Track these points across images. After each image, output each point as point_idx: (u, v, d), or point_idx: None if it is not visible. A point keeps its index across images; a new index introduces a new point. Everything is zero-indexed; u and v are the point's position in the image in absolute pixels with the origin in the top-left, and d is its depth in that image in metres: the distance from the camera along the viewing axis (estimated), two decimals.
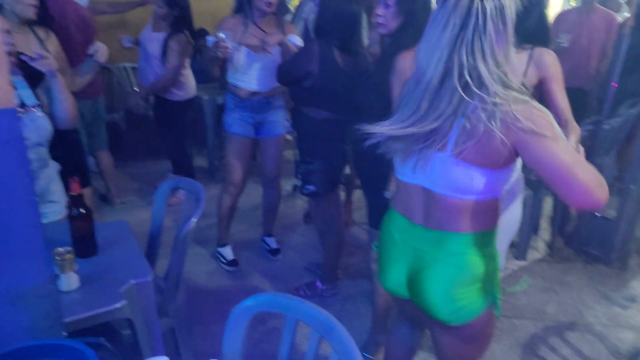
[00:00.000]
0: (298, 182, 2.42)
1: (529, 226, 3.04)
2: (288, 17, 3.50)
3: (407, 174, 1.27)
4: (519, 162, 1.36)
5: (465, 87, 1.10)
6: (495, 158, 1.13)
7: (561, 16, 4.04)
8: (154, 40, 3.20)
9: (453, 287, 1.23)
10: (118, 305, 1.40)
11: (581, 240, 3.14)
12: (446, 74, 1.11)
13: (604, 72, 3.61)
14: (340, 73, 2.17)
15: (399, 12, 1.73)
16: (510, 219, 1.85)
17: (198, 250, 3.09)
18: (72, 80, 2.28)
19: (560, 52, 3.95)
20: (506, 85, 1.11)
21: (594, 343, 2.35)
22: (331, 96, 2.21)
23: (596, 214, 3.00)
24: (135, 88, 4.26)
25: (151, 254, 2.03)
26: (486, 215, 1.23)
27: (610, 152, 3.19)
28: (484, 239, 1.24)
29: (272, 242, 3.07)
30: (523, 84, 1.48)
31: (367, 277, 2.83)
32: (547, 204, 3.40)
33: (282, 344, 1.23)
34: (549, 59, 1.75)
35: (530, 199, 2.91)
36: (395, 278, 1.36)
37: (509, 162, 1.16)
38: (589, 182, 1.08)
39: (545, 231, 3.36)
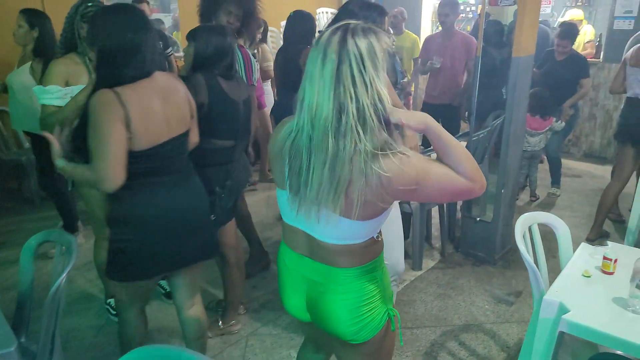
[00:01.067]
0: None
1: (421, 237, 3.20)
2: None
3: (291, 217, 1.30)
4: None
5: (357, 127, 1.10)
6: (376, 210, 1.20)
7: (429, 40, 4.40)
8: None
9: (350, 311, 1.29)
10: None
11: (468, 244, 3.37)
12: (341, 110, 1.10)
13: (468, 89, 3.97)
14: (228, 100, 2.23)
15: None
16: (394, 230, 1.93)
17: (85, 304, 2.83)
18: None
19: (434, 73, 4.31)
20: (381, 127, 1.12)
21: (486, 341, 2.50)
22: (225, 124, 2.24)
23: (476, 218, 3.24)
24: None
25: (22, 317, 1.81)
26: (368, 250, 1.30)
27: (483, 161, 3.49)
28: (370, 267, 1.31)
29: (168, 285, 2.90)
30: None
31: (271, 309, 2.77)
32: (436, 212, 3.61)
33: None
34: None
35: (418, 210, 3.08)
36: (294, 304, 1.41)
37: (387, 207, 1.23)
38: (468, 173, 1.15)
39: (437, 239, 3.56)
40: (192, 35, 2.23)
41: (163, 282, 2.91)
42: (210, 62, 2.18)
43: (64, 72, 2.24)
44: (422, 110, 4.41)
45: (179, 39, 5.32)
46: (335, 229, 1.22)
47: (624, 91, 3.46)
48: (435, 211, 3.63)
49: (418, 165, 1.13)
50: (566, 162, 5.30)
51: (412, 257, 3.19)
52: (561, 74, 4.08)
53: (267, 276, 3.14)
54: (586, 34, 5.83)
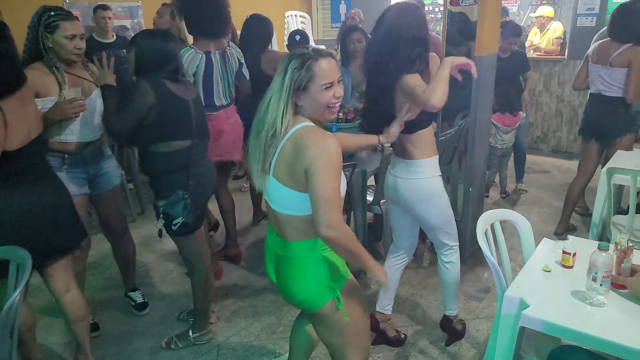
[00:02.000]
0: (161, 223, 2.28)
1: (390, 236, 3.21)
2: None
3: (263, 191, 1.59)
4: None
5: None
6: (299, 182, 1.44)
7: None
8: None
9: (293, 282, 1.57)
10: None
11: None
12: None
13: None
14: (178, 100, 2.21)
15: None
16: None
17: (52, 320, 2.76)
18: None
19: None
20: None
21: None
22: (177, 125, 2.22)
23: None
24: None
25: None
26: (308, 227, 1.47)
27: (452, 161, 3.52)
28: (311, 245, 1.53)
29: (138, 296, 2.85)
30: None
31: (243, 317, 2.75)
32: None
33: None
34: None
35: (387, 212, 3.08)
36: (270, 273, 1.71)
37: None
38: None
39: None
40: (132, 41, 2.21)
41: (132, 294, 2.86)
42: (152, 67, 2.17)
43: (34, 84, 2.14)
44: None
45: None
46: (278, 196, 1.51)
47: (586, 87, 3.53)
48: None
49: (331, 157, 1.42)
50: (535, 159, 5.41)
51: (384, 257, 3.19)
52: (508, 71, 4.18)
53: (238, 283, 3.12)
54: (555, 31, 5.94)
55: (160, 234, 2.33)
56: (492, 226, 2.00)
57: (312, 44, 7.33)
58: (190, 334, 2.52)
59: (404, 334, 2.53)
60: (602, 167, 3.76)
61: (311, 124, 1.50)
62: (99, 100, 2.39)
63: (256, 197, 3.94)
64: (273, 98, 1.50)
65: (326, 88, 1.48)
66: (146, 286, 3.08)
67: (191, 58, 2.87)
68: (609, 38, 3.30)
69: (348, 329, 1.62)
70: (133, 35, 2.32)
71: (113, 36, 4.04)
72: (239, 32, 3.72)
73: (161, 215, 2.24)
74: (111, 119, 2.22)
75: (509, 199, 4.40)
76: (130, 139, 2.24)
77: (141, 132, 2.16)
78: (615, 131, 3.34)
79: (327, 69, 1.48)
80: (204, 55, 2.90)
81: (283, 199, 1.51)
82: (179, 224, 2.25)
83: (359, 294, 1.70)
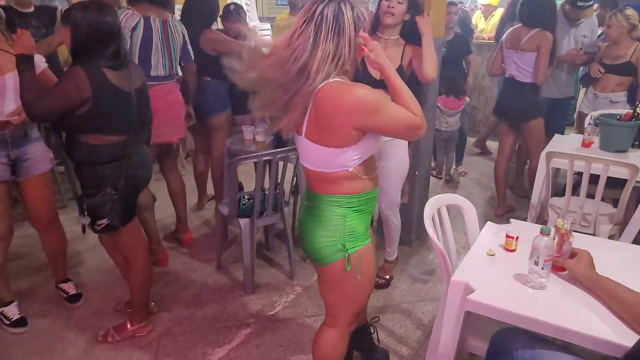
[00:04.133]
0: (84, 220, 2.09)
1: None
2: None
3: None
4: None
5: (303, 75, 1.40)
6: (341, 140, 1.46)
7: None
8: None
9: (310, 231, 1.61)
10: None
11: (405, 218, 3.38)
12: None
13: None
14: (117, 92, 1.99)
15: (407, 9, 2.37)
16: (397, 167, 2.57)
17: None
18: None
19: None
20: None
21: (402, 320, 2.54)
22: (114, 118, 2.02)
23: None
24: None
25: None
26: (340, 183, 1.55)
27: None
28: (337, 201, 1.56)
29: (70, 288, 2.67)
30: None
31: (185, 306, 2.64)
32: None
33: None
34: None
35: None
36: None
37: (349, 142, 1.47)
38: (417, 112, 1.47)
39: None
40: (66, 16, 1.94)
41: (64, 285, 2.67)
42: (91, 47, 1.92)
43: None
44: None
45: None
46: (309, 153, 1.54)
47: (502, 73, 3.66)
48: None
49: (377, 97, 1.42)
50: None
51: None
52: (452, 54, 4.28)
53: (180, 270, 2.99)
54: (499, 17, 6.08)
55: (83, 230, 2.17)
56: (438, 210, 2.01)
57: (254, 19, 7.10)
58: (129, 325, 2.39)
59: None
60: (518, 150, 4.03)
61: (337, 79, 1.45)
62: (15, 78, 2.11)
63: (200, 180, 3.79)
64: (319, 46, 1.40)
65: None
66: (79, 276, 2.90)
67: (127, 18, 2.66)
68: (520, 24, 3.41)
69: (349, 292, 1.66)
70: (62, 7, 2.07)
71: (31, 6, 3.66)
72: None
73: (85, 213, 2.07)
74: (29, 97, 1.94)
75: (452, 182, 4.49)
76: (55, 124, 2.04)
77: (70, 120, 1.96)
78: (523, 115, 3.52)
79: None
80: (142, 19, 2.70)
81: (315, 157, 1.54)
82: (103, 225, 2.09)
83: (372, 263, 1.69)
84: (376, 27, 2.47)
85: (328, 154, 1.49)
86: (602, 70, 3.62)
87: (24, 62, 2.00)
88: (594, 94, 3.73)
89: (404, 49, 2.46)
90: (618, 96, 3.60)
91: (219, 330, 2.46)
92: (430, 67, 2.38)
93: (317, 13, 1.40)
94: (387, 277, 2.84)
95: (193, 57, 3.05)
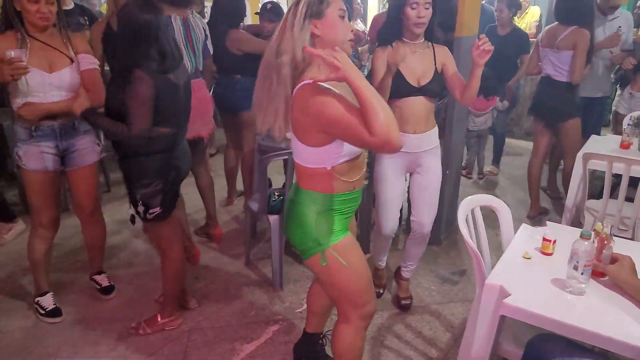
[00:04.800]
0: (134, 211, 2.17)
1: (368, 219, 3.17)
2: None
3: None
4: None
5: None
6: (318, 140, 1.49)
7: (377, 18, 4.30)
8: None
9: (290, 225, 1.66)
10: None
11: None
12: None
13: None
14: (172, 86, 2.08)
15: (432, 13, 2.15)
16: (438, 176, 2.43)
17: (12, 303, 2.63)
18: None
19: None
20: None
21: (431, 322, 2.51)
22: (171, 112, 2.10)
23: None
24: None
25: None
26: (317, 180, 1.57)
27: None
28: (315, 198, 1.59)
29: (103, 280, 2.73)
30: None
31: (214, 301, 2.67)
32: None
33: None
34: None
35: (363, 192, 3.03)
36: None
37: (321, 143, 1.49)
38: (373, 127, 1.32)
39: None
40: (120, 21, 2.01)
41: (97, 277, 2.73)
42: (145, 57, 1.97)
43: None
44: None
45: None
46: (294, 147, 1.58)
47: (538, 72, 3.57)
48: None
49: (338, 111, 1.37)
50: (509, 141, 5.43)
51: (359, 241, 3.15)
52: (503, 50, 4.09)
53: (210, 265, 3.03)
54: (534, 15, 5.95)
55: (133, 221, 2.23)
56: (472, 211, 1.97)
57: None
58: (159, 319, 2.43)
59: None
60: (555, 149, 3.90)
61: (309, 82, 1.45)
62: (69, 77, 2.24)
63: (230, 176, 3.83)
64: (287, 29, 1.47)
65: (342, 17, 1.50)
66: (113, 268, 2.96)
67: None
68: (556, 22, 3.32)
69: (341, 285, 1.66)
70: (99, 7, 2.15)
71: (71, 3, 3.76)
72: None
73: (140, 202, 2.13)
74: (119, 132, 1.99)
75: (485, 182, 4.41)
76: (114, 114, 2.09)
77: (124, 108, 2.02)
78: (559, 115, 3.42)
79: None
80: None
81: (297, 151, 1.58)
82: (155, 214, 2.15)
83: (356, 252, 1.68)
84: (398, 31, 2.21)
85: (306, 150, 1.53)
86: (634, 61, 3.53)
87: (92, 117, 2.12)
88: (630, 94, 3.61)
89: (434, 52, 2.26)
90: None
91: (247, 325, 2.48)
92: (472, 95, 2.17)
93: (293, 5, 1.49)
94: (409, 297, 2.64)
95: (212, 52, 3.10)
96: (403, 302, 2.61)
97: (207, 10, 4.62)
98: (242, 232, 3.37)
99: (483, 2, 4.42)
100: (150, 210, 2.14)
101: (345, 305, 1.73)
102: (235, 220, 3.66)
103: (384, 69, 2.10)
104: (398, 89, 2.15)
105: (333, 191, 1.59)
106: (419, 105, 2.22)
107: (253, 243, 3.17)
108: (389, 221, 2.43)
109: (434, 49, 2.26)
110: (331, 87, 1.43)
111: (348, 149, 1.52)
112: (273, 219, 2.70)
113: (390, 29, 2.24)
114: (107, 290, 2.70)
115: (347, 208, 1.65)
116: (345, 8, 1.52)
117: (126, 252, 3.20)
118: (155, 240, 2.35)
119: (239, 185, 3.89)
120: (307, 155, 1.56)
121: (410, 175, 2.44)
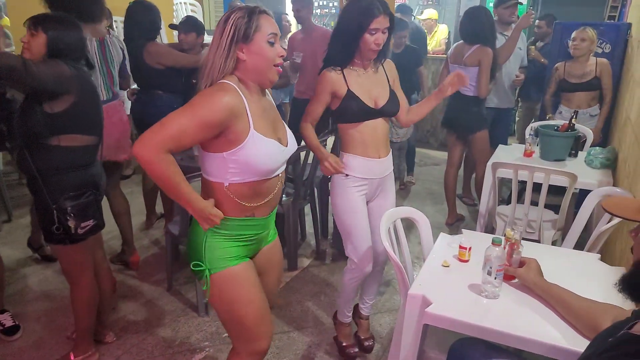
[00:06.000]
0: (59, 229, 1.99)
1: (294, 235, 3.16)
2: None
3: None
4: None
5: None
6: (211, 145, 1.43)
7: (291, 38, 4.36)
8: None
9: (189, 239, 1.60)
10: None
11: (341, 239, 3.38)
12: None
13: None
14: (93, 91, 2.07)
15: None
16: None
17: None
18: None
19: (296, 68, 4.28)
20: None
21: None
22: (90, 117, 2.05)
23: None
24: None
25: None
26: (211, 197, 1.49)
27: None
28: None
29: (6, 319, 2.47)
30: None
31: (134, 332, 2.51)
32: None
33: None
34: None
35: (290, 209, 3.02)
36: None
37: (214, 148, 1.42)
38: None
39: (312, 236, 3.53)
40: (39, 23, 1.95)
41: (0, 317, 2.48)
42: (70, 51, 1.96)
43: None
44: (292, 105, 4.38)
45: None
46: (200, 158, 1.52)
47: None
48: (308, 209, 3.62)
49: (176, 117, 1.35)
50: (426, 152, 5.70)
51: (287, 257, 3.13)
52: (403, 66, 4.31)
53: (128, 294, 2.85)
54: (443, 33, 6.32)
55: (34, 247, 2.06)
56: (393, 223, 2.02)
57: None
58: (72, 357, 2.23)
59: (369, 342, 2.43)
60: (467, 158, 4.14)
61: (228, 82, 1.42)
62: None
63: (149, 198, 3.65)
64: (212, 52, 1.43)
65: (271, 43, 1.43)
66: (17, 305, 2.69)
67: None
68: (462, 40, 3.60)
69: (225, 315, 1.59)
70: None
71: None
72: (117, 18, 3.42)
73: (71, 215, 1.97)
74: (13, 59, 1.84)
75: (405, 191, 4.57)
76: (25, 133, 1.92)
77: (45, 120, 1.90)
78: (469, 128, 3.68)
79: (272, 22, 1.45)
80: None
81: (201, 159, 1.52)
82: (87, 227, 2.03)
83: (245, 284, 1.55)
84: (348, 59, 2.05)
85: (205, 156, 1.48)
86: (522, 77, 4.04)
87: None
88: (560, 112, 3.82)
89: (384, 69, 2.15)
90: (595, 109, 3.73)
91: (171, 356, 2.35)
92: (416, 120, 2.35)
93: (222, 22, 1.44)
94: (371, 337, 2.44)
95: (129, 71, 3.05)
96: (366, 343, 2.40)
97: (117, 25, 4.45)
98: (162, 257, 3.22)
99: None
100: (82, 224, 2.01)
101: (233, 336, 1.64)
102: (155, 245, 3.50)
103: (330, 92, 2.06)
104: (357, 113, 2.04)
105: (230, 214, 1.49)
106: (379, 127, 2.10)
107: (175, 268, 3.03)
108: (368, 256, 2.19)
109: (383, 66, 2.15)
110: (239, 92, 1.42)
111: (243, 167, 1.44)
112: None
113: (342, 52, 2.04)
114: (11, 330, 2.45)
115: (244, 236, 1.55)
116: (276, 32, 1.44)
117: (32, 286, 2.93)
118: (67, 266, 2.15)
119: (159, 207, 3.72)
120: (205, 162, 1.49)
121: (367, 202, 2.23)
